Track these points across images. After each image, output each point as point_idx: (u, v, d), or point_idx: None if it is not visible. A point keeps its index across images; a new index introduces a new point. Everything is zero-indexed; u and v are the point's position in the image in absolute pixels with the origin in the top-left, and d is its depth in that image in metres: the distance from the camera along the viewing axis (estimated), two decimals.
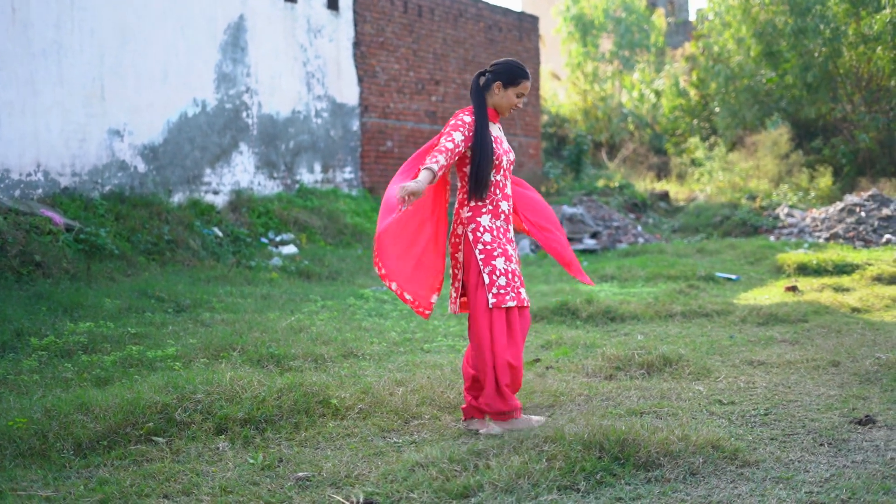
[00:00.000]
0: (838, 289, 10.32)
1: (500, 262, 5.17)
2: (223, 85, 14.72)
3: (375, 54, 18.43)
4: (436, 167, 4.95)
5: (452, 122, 5.24)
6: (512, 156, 5.42)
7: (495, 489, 4.18)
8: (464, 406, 5.41)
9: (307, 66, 16.63)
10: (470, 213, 5.27)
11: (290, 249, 13.83)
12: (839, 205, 17.20)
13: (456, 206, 5.38)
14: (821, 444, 4.81)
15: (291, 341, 7.54)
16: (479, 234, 5.23)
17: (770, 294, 10.38)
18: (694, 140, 25.93)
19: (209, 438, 5.05)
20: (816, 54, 23.91)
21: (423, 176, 4.89)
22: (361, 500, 4.17)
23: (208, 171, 14.49)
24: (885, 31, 22.21)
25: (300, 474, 4.50)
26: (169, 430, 5.10)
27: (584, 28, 33.19)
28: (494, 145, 5.28)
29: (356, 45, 17.89)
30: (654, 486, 4.23)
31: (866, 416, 5.17)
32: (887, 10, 22.06)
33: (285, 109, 16.14)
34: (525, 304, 5.26)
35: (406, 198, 4.78)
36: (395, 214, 4.94)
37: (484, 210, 5.27)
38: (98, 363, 6.71)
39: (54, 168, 11.90)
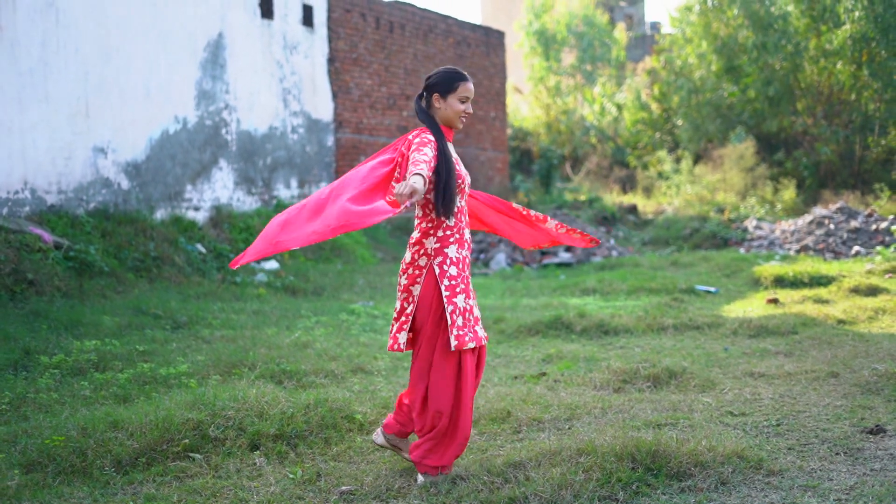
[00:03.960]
0: (819, 300, 10.56)
1: (460, 300, 4.66)
2: (203, 102, 14.77)
3: (349, 70, 18.56)
4: (425, 174, 4.33)
5: (415, 139, 4.69)
6: (469, 178, 4.92)
7: (540, 500, 4.33)
8: (388, 422, 5.08)
9: (283, 82, 16.71)
10: (438, 245, 4.72)
11: (273, 265, 13.90)
12: (808, 217, 17.56)
13: (417, 236, 4.78)
14: (837, 454, 5.02)
15: (300, 357, 7.67)
16: (445, 268, 4.70)
17: (753, 306, 10.62)
18: (661, 153, 26.27)
19: (245, 454, 5.16)
20: (778, 68, 24.39)
21: (419, 180, 4.25)
22: None
23: (189, 187, 14.53)
24: (844, 46, 22.76)
25: (343, 488, 4.63)
26: (204, 446, 5.21)
27: (547, 42, 33.58)
28: (458, 167, 4.83)
29: (330, 61, 18.00)
30: (689, 495, 4.41)
31: (876, 426, 5.38)
32: (847, 26, 22.60)
33: (263, 126, 16.22)
34: (483, 343, 4.75)
35: (410, 195, 4.15)
36: (398, 210, 4.34)
37: (452, 240, 4.75)
38: (113, 381, 6.79)
39: (41, 186, 11.90)
